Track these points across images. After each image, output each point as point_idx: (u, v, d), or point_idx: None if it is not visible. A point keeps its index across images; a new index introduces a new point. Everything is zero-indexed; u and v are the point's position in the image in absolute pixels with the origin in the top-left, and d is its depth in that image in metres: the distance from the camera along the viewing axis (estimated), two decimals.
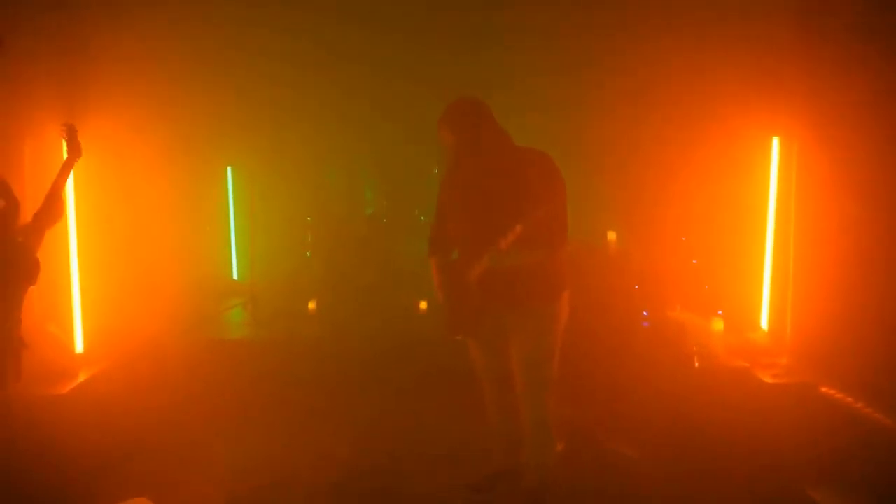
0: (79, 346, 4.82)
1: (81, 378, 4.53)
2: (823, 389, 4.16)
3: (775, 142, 4.69)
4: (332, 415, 4.91)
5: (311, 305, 6.69)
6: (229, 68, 6.94)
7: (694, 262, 5.92)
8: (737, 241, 5.04)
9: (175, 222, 6.84)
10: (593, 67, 6.17)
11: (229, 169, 7.85)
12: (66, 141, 3.63)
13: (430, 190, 7.25)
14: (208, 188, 7.69)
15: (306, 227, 7.56)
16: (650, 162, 5.77)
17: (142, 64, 5.50)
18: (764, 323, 4.78)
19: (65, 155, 3.67)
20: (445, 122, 3.36)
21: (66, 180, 3.59)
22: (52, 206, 3.50)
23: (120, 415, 4.50)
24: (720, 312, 5.33)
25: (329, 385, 5.33)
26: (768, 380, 4.27)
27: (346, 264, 7.20)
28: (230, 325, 6.61)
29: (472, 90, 3.49)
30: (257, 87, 7.24)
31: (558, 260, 3.35)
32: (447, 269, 3.53)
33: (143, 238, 5.89)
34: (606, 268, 5.53)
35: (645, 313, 5.91)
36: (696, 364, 4.30)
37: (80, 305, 4.79)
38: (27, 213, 3.51)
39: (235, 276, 7.98)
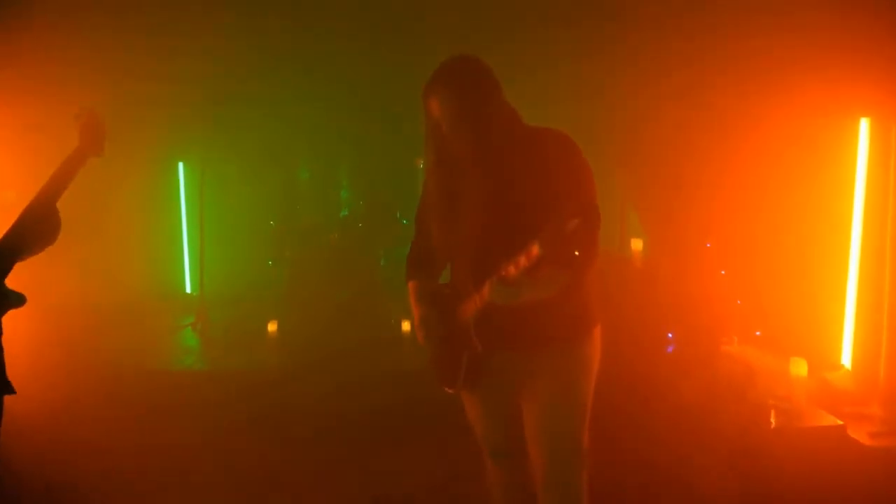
0: None
1: None
2: None
3: (864, 124, 3.67)
4: (296, 467, 4.04)
5: (272, 327, 5.81)
6: (179, 47, 6.33)
7: (722, 272, 4.91)
8: (803, 247, 4.01)
9: (112, 226, 6.45)
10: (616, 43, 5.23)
11: (181, 165, 7.15)
12: (81, 132, 2.54)
13: (413, 188, 6.33)
14: (155, 187, 7.07)
15: (269, 233, 6.62)
16: (687, 153, 4.71)
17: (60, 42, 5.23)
18: (846, 359, 3.72)
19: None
20: (436, 89, 2.34)
21: (66, 183, 2.47)
22: (40, 220, 2.41)
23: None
24: (758, 333, 4.37)
25: (293, 429, 4.49)
26: (866, 441, 3.22)
27: (314, 277, 6.27)
28: (175, 351, 5.83)
29: None
30: (213, 71, 6.53)
31: (587, 283, 2.40)
32: (432, 298, 2.60)
33: (70, 246, 5.07)
34: (632, 284, 4.48)
35: (670, 335, 4.93)
36: (773, 422, 3.22)
37: None
38: None
39: (188, 289, 7.17)
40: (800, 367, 3.33)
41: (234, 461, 4.06)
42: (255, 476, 3.90)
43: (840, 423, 3.25)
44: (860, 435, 3.27)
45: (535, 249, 2.08)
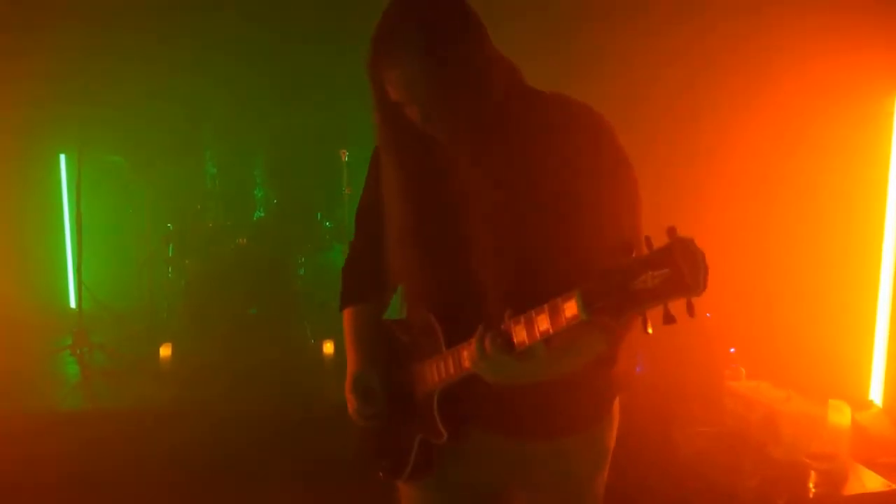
0: None
1: None
2: None
3: None
4: None
5: (165, 352, 4.98)
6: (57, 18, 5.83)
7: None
8: (818, 254, 3.38)
9: None
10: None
11: (62, 158, 6.44)
12: None
13: (335, 185, 5.87)
14: (29, 183, 6.37)
15: (167, 237, 5.81)
16: (682, 147, 4.05)
17: None
18: (877, 395, 3.04)
19: None
20: (402, 31, 1.46)
21: None
22: None
23: None
24: (732, 350, 3.72)
25: (189, 479, 3.85)
26: None
27: (218, 288, 5.46)
28: (49, 383, 5.02)
29: None
30: (100, 46, 5.97)
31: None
32: (378, 340, 1.83)
33: None
34: None
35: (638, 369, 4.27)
36: (812, 489, 2.49)
37: None
38: None
39: (73, 304, 6.30)
40: (841, 415, 2.60)
41: None
42: None
43: (895, 486, 2.54)
44: None
45: (573, 309, 1.25)
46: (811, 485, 2.52)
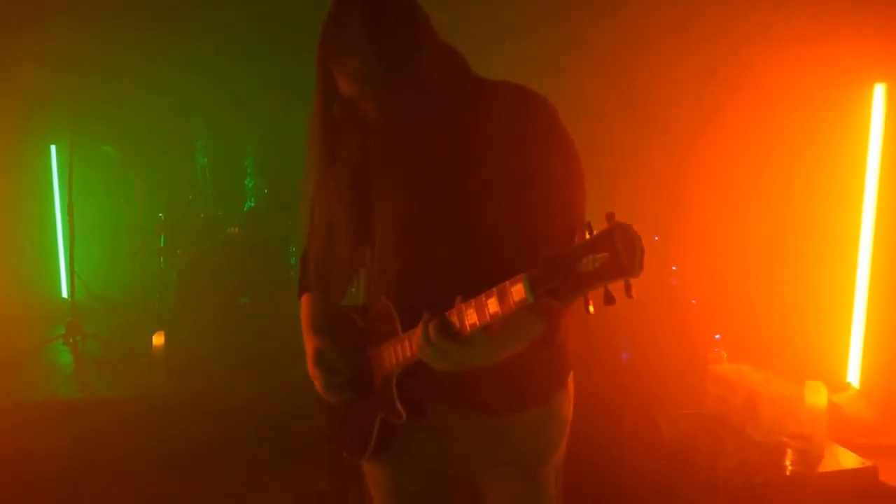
0: None
1: None
2: None
3: (879, 90, 3.11)
4: None
5: (158, 340, 4.98)
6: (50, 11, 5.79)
7: (673, 268, 4.33)
8: (796, 237, 3.44)
9: None
10: None
11: (53, 148, 6.43)
12: None
13: None
14: (20, 173, 6.33)
15: (159, 227, 5.81)
16: (659, 126, 4.08)
17: None
18: (854, 377, 3.11)
19: None
20: (349, 26, 1.49)
21: None
22: None
23: None
24: (717, 337, 3.76)
25: (182, 465, 3.90)
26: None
27: (210, 278, 5.44)
28: (42, 373, 5.01)
29: None
30: (89, 34, 5.92)
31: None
32: (335, 325, 1.86)
33: None
34: None
35: (625, 355, 4.34)
36: (789, 466, 2.57)
37: None
38: None
39: (65, 294, 6.26)
40: (818, 395, 2.68)
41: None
42: None
43: (869, 464, 2.62)
44: (887, 476, 2.65)
45: (520, 293, 1.30)
46: (788, 463, 2.60)
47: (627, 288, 1.17)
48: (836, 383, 3.18)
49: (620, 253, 1.13)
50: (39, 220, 6.39)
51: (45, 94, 5.89)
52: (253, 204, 5.98)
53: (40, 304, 6.22)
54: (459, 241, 1.58)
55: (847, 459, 2.65)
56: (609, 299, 1.20)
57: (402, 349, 1.59)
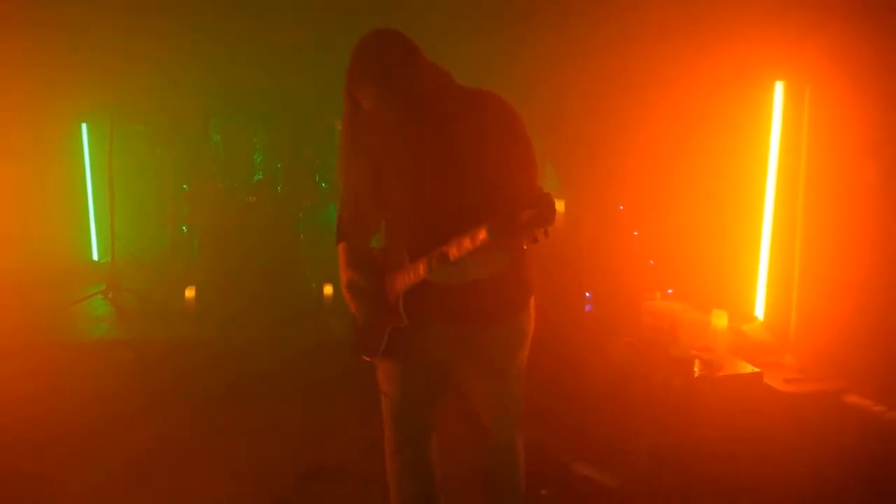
0: None
1: None
2: (849, 397, 3.33)
3: (779, 88, 3.81)
4: (215, 437, 3.81)
5: (189, 293, 5.59)
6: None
7: (635, 233, 5.08)
8: (719, 209, 4.19)
9: (7, 192, 6.26)
10: None
11: (84, 126, 6.90)
12: None
13: (332, 149, 6.33)
14: (56, 150, 6.82)
15: (182, 197, 6.35)
16: (608, 113, 4.79)
17: None
18: (759, 311, 3.91)
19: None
20: (365, 75, 2.19)
21: None
22: None
23: None
24: (670, 291, 4.50)
25: (211, 397, 4.26)
26: (781, 387, 3.40)
27: (232, 242, 6.06)
28: (85, 321, 5.52)
29: (386, 24, 2.31)
30: (116, 26, 6.29)
31: (527, 256, 2.35)
32: (363, 263, 2.48)
33: None
34: (554, 245, 4.54)
35: (588, 294, 5.07)
36: (696, 371, 3.36)
37: None
38: None
39: (95, 257, 6.97)
40: (720, 319, 3.47)
41: (157, 430, 3.85)
42: (176, 445, 3.68)
43: (757, 370, 3.42)
44: (775, 381, 3.45)
45: (482, 235, 1.94)
46: (696, 369, 3.38)
47: (545, 233, 1.87)
48: (746, 316, 3.95)
49: (543, 209, 1.84)
50: (72, 192, 6.85)
51: (78, 76, 6.36)
52: (261, 177, 6.53)
53: (74, 266, 6.71)
54: (447, 206, 2.21)
55: (740, 367, 3.43)
56: (533, 240, 1.88)
57: (409, 274, 2.26)
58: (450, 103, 2.22)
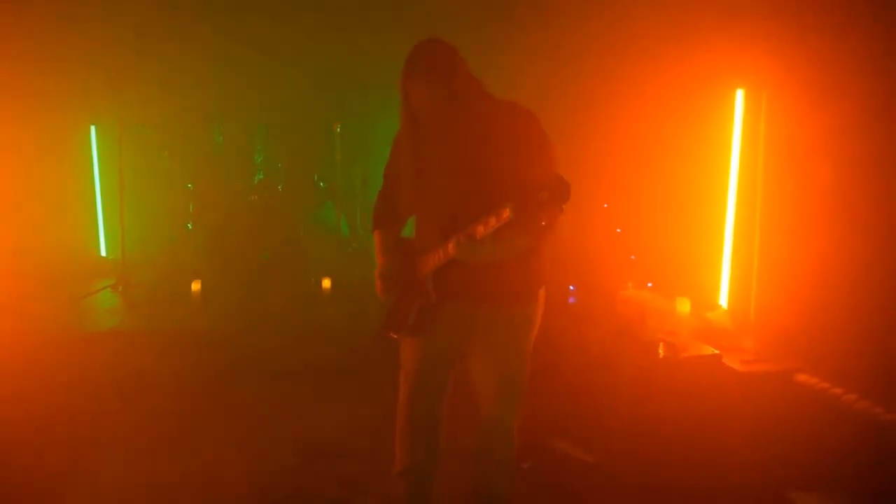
0: None
1: None
2: (800, 377, 3.67)
3: (739, 95, 4.15)
4: (223, 419, 4.06)
5: (196, 286, 5.88)
6: (88, 7, 6.34)
7: (618, 230, 5.43)
8: (688, 207, 4.53)
9: (20, 191, 6.34)
10: None
11: (93, 128, 7.09)
12: None
13: (331, 150, 6.59)
14: (65, 151, 6.99)
15: (187, 196, 6.63)
16: (593, 117, 5.14)
17: None
18: (723, 300, 4.25)
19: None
20: (416, 70, 2.56)
21: None
22: None
23: None
24: (649, 285, 4.87)
25: (218, 383, 4.51)
26: (739, 367, 3.75)
27: (235, 239, 6.36)
28: (96, 313, 5.82)
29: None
30: (122, 30, 6.53)
31: (545, 248, 2.62)
32: (396, 248, 2.79)
33: None
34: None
35: (572, 287, 5.40)
36: (661, 353, 3.71)
37: None
38: None
39: (104, 252, 7.18)
40: (684, 306, 3.82)
41: (167, 411, 4.08)
42: (185, 425, 3.91)
43: (717, 352, 3.77)
44: (734, 363, 3.80)
45: (507, 213, 2.14)
46: (661, 351, 3.74)
47: (559, 212, 2.11)
48: (711, 304, 4.30)
49: (557, 192, 2.11)
50: (81, 191, 7.03)
51: (87, 81, 6.57)
52: (262, 177, 6.80)
53: (82, 262, 6.90)
54: (477, 192, 2.43)
55: (702, 349, 3.79)
56: (552, 217, 2.08)
57: (439, 254, 2.49)
58: (484, 103, 2.57)
